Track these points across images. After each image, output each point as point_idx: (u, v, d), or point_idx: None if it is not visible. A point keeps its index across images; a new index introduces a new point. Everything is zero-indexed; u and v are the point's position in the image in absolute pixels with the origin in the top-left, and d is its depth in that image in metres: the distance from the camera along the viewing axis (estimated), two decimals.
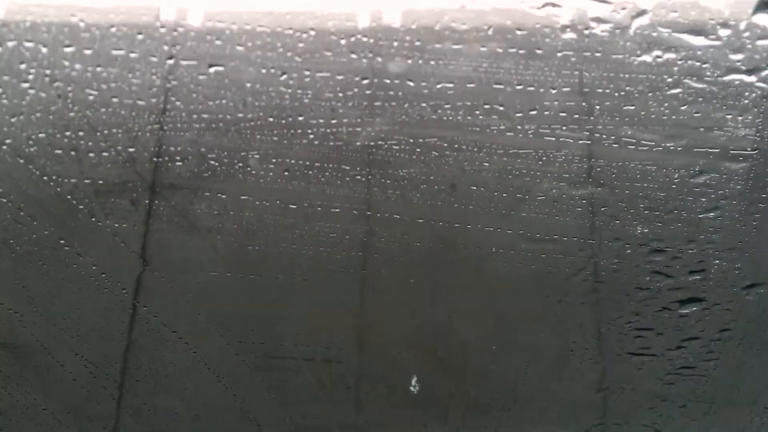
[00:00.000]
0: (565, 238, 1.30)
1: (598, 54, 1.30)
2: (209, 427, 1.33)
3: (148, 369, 1.32)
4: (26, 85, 1.30)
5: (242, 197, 1.30)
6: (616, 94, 1.29)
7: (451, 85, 1.31)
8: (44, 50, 1.30)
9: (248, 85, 1.31)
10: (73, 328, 1.31)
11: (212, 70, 1.31)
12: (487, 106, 1.29)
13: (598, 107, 1.29)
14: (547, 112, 1.29)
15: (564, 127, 1.29)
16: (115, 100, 1.30)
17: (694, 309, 1.28)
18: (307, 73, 1.31)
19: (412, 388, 1.30)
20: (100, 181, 1.30)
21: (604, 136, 1.29)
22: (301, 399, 1.32)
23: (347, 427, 1.33)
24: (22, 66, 1.30)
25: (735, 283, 1.28)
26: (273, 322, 1.32)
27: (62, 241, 1.30)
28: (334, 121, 1.30)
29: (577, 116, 1.29)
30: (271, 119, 1.30)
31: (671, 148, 1.29)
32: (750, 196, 1.27)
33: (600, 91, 1.30)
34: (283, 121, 1.30)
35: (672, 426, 1.31)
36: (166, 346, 1.32)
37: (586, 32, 1.30)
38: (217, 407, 1.33)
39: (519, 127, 1.29)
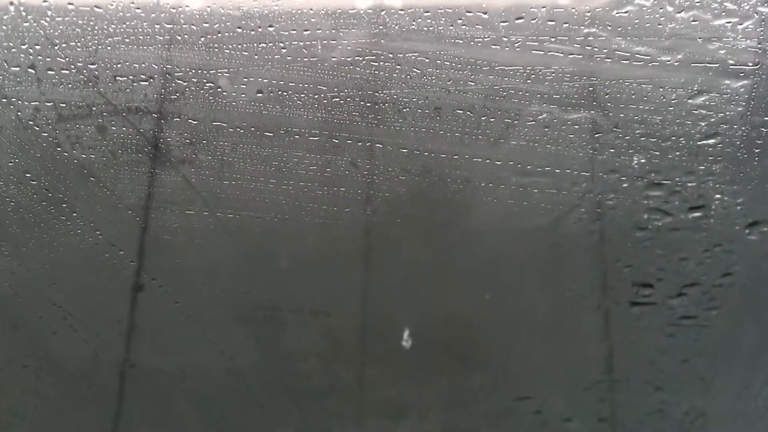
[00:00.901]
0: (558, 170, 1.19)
1: None
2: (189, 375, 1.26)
3: (122, 317, 1.25)
4: None
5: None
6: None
7: None
8: None
9: None
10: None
11: None
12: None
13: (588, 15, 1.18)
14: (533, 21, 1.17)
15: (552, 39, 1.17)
16: None
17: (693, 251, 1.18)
18: None
19: (404, 343, 1.21)
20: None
21: (596, 49, 1.18)
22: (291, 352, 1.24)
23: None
24: None
25: (737, 220, 1.18)
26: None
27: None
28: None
29: (566, 25, 1.18)
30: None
31: (667, 62, 1.18)
32: (752, 119, 1.16)
33: None
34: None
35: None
36: (142, 291, 1.25)
37: None
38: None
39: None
